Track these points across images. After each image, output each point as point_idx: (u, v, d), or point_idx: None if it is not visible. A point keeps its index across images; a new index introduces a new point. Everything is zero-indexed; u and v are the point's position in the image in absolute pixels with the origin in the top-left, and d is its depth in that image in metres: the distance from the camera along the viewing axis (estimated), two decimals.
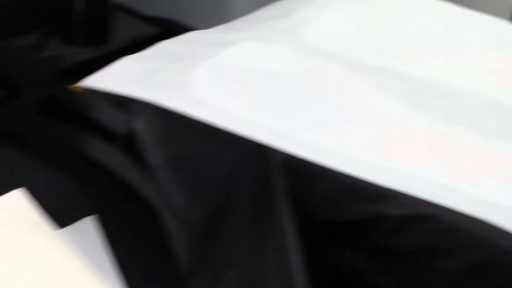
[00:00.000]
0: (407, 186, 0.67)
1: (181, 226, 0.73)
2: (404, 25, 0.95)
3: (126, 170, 0.85)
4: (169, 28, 1.20)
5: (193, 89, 0.78)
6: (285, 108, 0.76)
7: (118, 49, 1.09)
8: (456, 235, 0.63)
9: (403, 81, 0.83)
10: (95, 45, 1.08)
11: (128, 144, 0.79)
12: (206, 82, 0.79)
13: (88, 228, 0.83)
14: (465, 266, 0.63)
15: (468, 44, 0.92)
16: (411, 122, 0.76)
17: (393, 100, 0.79)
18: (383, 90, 0.81)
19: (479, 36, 0.94)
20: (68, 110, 0.91)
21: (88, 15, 1.07)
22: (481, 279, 0.63)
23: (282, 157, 0.69)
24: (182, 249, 0.74)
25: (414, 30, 0.94)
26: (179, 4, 1.50)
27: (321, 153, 0.70)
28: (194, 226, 0.73)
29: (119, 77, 0.82)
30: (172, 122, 0.75)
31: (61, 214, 0.86)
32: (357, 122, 0.75)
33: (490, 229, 0.63)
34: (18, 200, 0.84)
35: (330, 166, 0.68)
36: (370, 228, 0.68)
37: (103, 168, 0.89)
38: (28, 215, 0.82)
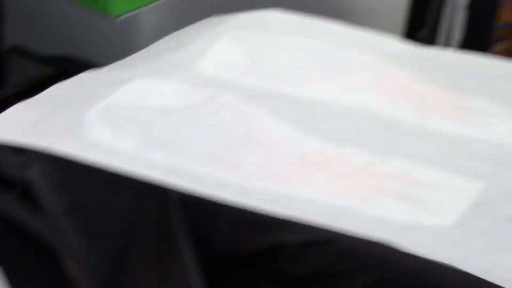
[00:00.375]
0: (304, 212, 0.68)
1: (85, 272, 0.73)
2: (296, 50, 0.97)
3: (26, 219, 0.84)
4: (69, 66, 1.19)
5: (87, 132, 0.77)
6: (180, 143, 0.76)
7: (15, 93, 1.07)
8: (353, 257, 0.65)
9: (297, 105, 0.85)
10: None
11: (27, 192, 0.78)
12: (100, 124, 0.78)
13: None
14: (365, 286, 0.65)
15: (359, 63, 0.95)
16: (305, 147, 0.77)
17: (287, 126, 0.81)
18: (277, 116, 0.82)
19: (370, 54, 0.97)
20: None
21: None
22: None
23: (179, 194, 0.69)
24: None
25: (306, 53, 0.96)
26: (79, 41, 1.48)
27: (218, 187, 0.70)
28: (97, 271, 0.72)
29: (11, 125, 0.80)
30: (68, 168, 0.74)
31: None
32: (252, 151, 0.76)
33: (385, 248, 0.64)
34: None
35: (227, 199, 0.69)
36: (272, 257, 0.69)
37: (4, 219, 0.87)
38: None
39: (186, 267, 0.68)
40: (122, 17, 1.05)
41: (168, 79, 0.88)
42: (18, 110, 0.84)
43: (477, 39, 0.98)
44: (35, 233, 0.81)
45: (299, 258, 0.67)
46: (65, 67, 1.17)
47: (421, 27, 1.21)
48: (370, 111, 0.85)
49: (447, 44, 1.24)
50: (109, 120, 0.79)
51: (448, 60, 0.95)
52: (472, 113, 0.85)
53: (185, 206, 0.69)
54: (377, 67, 0.94)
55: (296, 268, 0.67)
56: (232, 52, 0.96)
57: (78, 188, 0.74)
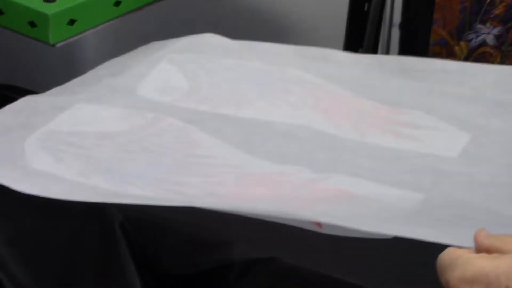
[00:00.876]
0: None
1: None
2: (237, 71, 0.97)
3: None
4: (8, 95, 1.17)
5: (26, 160, 0.76)
6: (121, 167, 0.76)
7: None
8: (297, 275, 0.65)
9: (238, 126, 0.86)
10: None
11: None
12: (39, 152, 0.78)
13: None
14: None
15: (300, 83, 0.96)
16: (247, 166, 0.78)
17: (230, 146, 0.81)
18: (219, 137, 0.82)
19: (309, 73, 0.98)
20: None
21: None
22: None
23: (121, 218, 0.69)
24: None
25: (247, 75, 0.97)
26: (18, 68, 1.47)
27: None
28: None
29: None
30: (7, 198, 0.73)
31: None
32: (195, 173, 0.76)
33: (329, 267, 0.65)
34: None
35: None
36: (219, 276, 0.69)
37: None
38: None
39: None
40: (62, 44, 1.05)
41: (108, 104, 0.87)
42: None
43: (414, 56, 1.01)
44: None
45: (245, 276, 0.67)
46: (5, 95, 1.15)
47: (360, 46, 1.23)
48: (312, 129, 0.86)
49: None
50: (49, 147, 0.79)
51: None
52: (411, 127, 0.87)
53: (129, 229, 0.69)
54: (318, 86, 0.95)
55: (242, 286, 0.68)
56: (173, 75, 0.96)
57: (19, 217, 0.73)
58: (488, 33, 1.20)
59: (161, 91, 0.92)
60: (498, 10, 1.19)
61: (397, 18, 1.27)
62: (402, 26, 1.23)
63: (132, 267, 0.68)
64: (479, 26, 1.19)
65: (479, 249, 0.51)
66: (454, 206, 0.72)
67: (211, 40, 1.03)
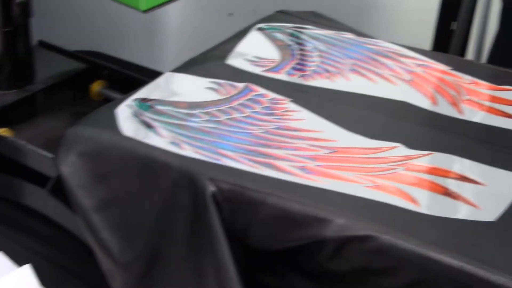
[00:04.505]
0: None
1: (117, 267, 0.72)
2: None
3: (58, 215, 0.83)
4: (95, 62, 1.18)
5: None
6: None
7: (44, 88, 1.06)
8: (393, 253, 0.63)
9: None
10: (19, 86, 1.04)
11: (58, 187, 0.77)
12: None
13: (24, 276, 0.81)
14: (404, 283, 0.63)
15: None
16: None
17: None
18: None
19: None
20: None
21: (9, 56, 1.04)
22: None
23: (213, 188, 0.68)
24: None
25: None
26: (104, 36, 1.47)
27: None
28: (131, 267, 0.71)
29: None
30: (101, 163, 0.73)
31: None
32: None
33: (427, 246, 0.63)
34: None
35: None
36: (310, 253, 0.67)
37: (35, 213, 0.87)
38: None
39: (223, 262, 0.66)
40: (151, 11, 1.04)
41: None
42: None
43: None
44: (67, 229, 0.80)
45: (338, 254, 0.65)
46: (93, 62, 1.16)
47: (454, 19, 1.17)
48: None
49: (481, 37, 1.20)
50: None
51: None
52: None
53: (220, 200, 0.68)
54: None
55: (334, 264, 0.66)
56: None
57: (109, 184, 0.73)
58: None
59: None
60: None
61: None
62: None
63: (223, 237, 0.67)
64: None
65: None
66: None
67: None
